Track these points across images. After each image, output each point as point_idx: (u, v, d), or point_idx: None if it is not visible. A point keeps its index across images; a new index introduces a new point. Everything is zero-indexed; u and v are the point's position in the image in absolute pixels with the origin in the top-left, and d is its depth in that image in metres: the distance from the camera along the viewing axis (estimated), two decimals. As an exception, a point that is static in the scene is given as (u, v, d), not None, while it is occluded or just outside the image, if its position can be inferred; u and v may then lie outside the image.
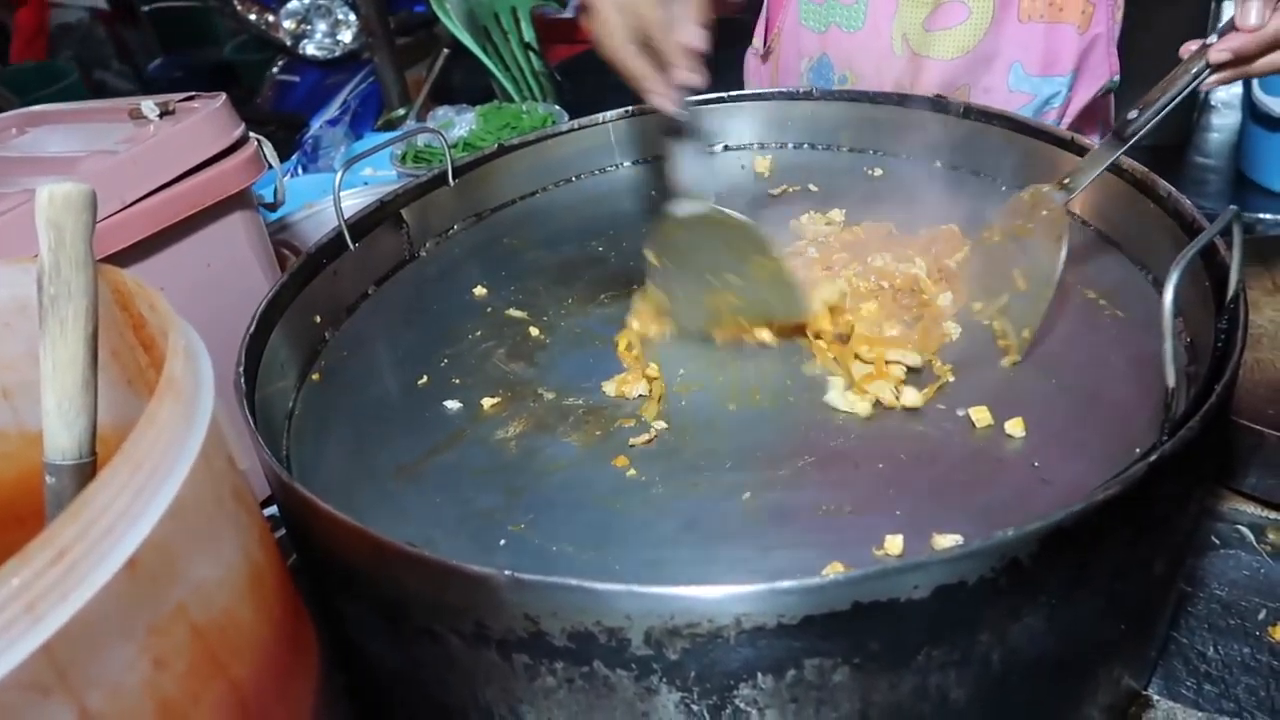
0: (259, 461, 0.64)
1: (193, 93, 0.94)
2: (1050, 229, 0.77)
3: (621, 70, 0.81)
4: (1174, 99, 0.74)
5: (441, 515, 0.68)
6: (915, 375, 0.75)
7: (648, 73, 0.80)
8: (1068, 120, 1.21)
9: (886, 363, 0.74)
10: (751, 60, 1.42)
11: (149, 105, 0.90)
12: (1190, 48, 0.74)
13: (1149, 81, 0.76)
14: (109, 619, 0.36)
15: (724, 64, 1.48)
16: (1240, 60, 0.72)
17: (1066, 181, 0.78)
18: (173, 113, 0.90)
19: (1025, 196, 0.81)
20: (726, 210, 0.78)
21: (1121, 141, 0.76)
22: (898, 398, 0.72)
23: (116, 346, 0.55)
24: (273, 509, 0.70)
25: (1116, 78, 1.21)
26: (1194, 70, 0.73)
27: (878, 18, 1.19)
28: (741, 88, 1.37)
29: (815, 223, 0.96)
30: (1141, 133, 0.74)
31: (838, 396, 0.73)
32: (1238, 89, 2.01)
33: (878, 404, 0.72)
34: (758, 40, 1.38)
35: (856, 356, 0.76)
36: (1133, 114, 0.75)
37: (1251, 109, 1.70)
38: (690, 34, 0.78)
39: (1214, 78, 0.73)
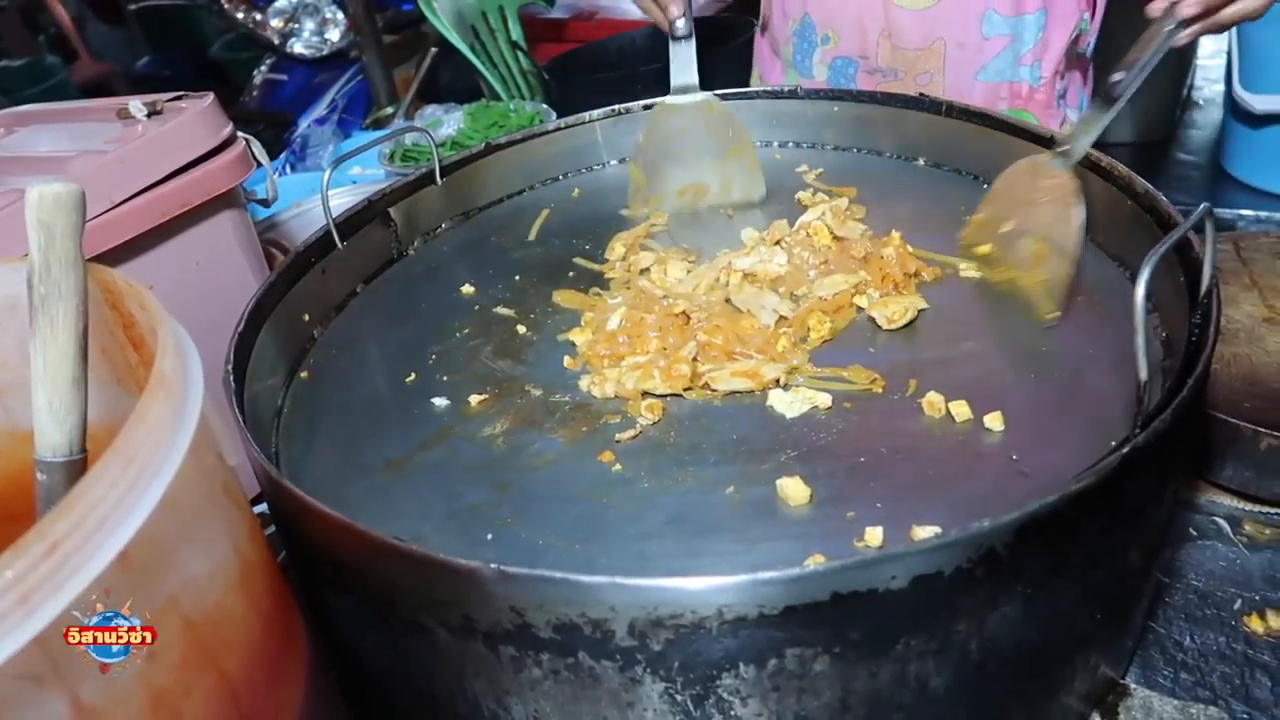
0: (248, 458, 0.65)
1: (181, 92, 0.95)
2: (1063, 194, 0.79)
3: (642, 6, 1.07)
4: (1153, 56, 0.76)
5: (430, 510, 0.69)
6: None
7: (656, 9, 1.04)
8: (1048, 69, 1.24)
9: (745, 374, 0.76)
10: (757, 41, 1.47)
11: (137, 105, 0.90)
12: (1159, 6, 0.78)
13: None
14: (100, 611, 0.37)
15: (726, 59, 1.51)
16: (1209, 11, 0.75)
17: (1065, 149, 0.81)
18: (160, 112, 0.90)
19: (1023, 166, 0.84)
20: (718, 100, 1.02)
21: (1111, 102, 0.77)
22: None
23: (106, 344, 0.56)
24: (262, 507, 0.71)
25: (1087, 16, 1.24)
26: (1167, 27, 0.76)
27: None
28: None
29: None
30: (1129, 91, 0.76)
31: (776, 400, 0.74)
32: (1220, 86, 2.03)
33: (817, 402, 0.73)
34: (761, 17, 1.44)
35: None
36: (1118, 76, 0.77)
37: (1233, 106, 1.72)
38: None
39: (1186, 32, 0.76)
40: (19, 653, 0.33)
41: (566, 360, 0.82)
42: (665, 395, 0.76)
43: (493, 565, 0.50)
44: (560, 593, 0.50)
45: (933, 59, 1.23)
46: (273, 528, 0.73)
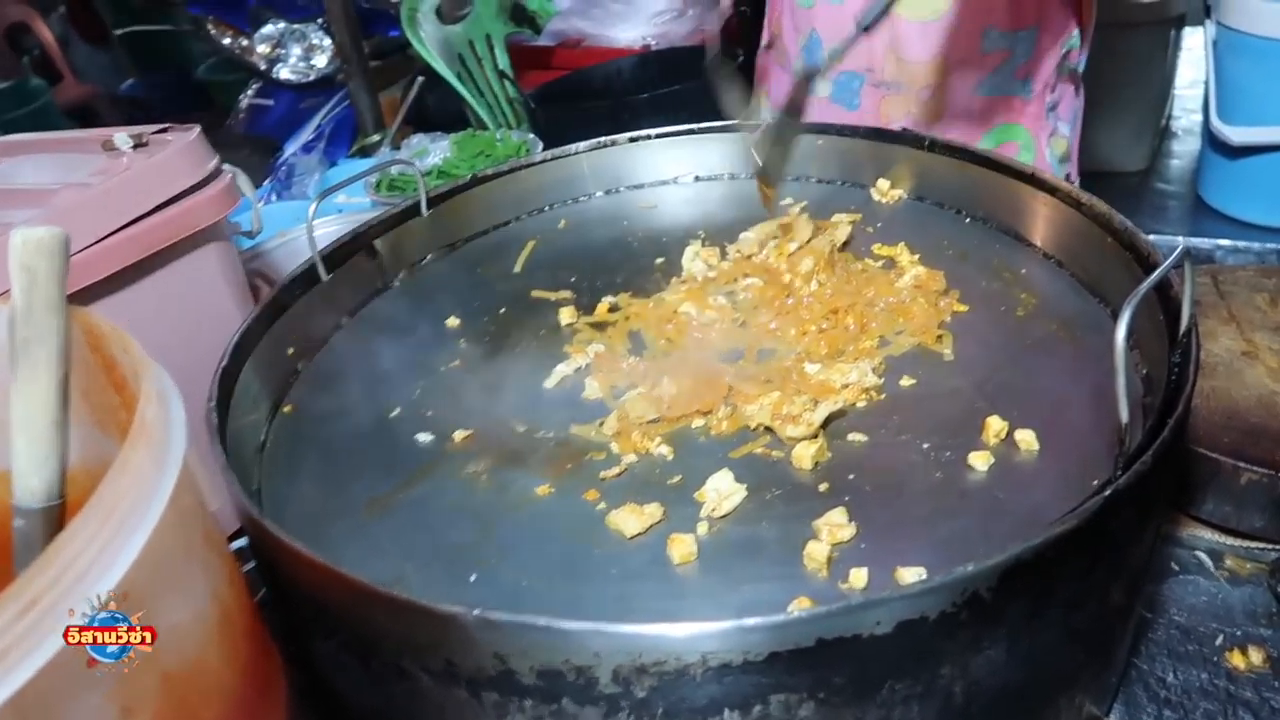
0: (230, 497, 0.64)
1: (166, 124, 0.94)
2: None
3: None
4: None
5: (413, 549, 0.68)
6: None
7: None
8: (1039, 83, 1.27)
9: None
10: (761, 57, 1.50)
11: (122, 137, 0.90)
12: None
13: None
14: (78, 667, 0.36)
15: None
16: None
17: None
18: (146, 145, 0.90)
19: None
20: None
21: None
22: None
23: (87, 387, 0.55)
24: (243, 540, 0.71)
25: (1077, 32, 1.28)
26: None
27: None
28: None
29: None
30: (871, 18, 0.90)
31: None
32: (1198, 117, 2.06)
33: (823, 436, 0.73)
34: (765, 34, 1.47)
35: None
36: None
37: (1210, 137, 1.74)
38: None
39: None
40: (-4, 713, 0.33)
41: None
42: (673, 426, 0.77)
43: (475, 612, 0.50)
44: (543, 639, 0.50)
45: (935, 72, 1.26)
46: (252, 563, 0.72)
